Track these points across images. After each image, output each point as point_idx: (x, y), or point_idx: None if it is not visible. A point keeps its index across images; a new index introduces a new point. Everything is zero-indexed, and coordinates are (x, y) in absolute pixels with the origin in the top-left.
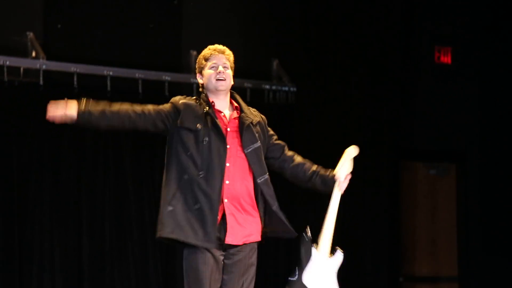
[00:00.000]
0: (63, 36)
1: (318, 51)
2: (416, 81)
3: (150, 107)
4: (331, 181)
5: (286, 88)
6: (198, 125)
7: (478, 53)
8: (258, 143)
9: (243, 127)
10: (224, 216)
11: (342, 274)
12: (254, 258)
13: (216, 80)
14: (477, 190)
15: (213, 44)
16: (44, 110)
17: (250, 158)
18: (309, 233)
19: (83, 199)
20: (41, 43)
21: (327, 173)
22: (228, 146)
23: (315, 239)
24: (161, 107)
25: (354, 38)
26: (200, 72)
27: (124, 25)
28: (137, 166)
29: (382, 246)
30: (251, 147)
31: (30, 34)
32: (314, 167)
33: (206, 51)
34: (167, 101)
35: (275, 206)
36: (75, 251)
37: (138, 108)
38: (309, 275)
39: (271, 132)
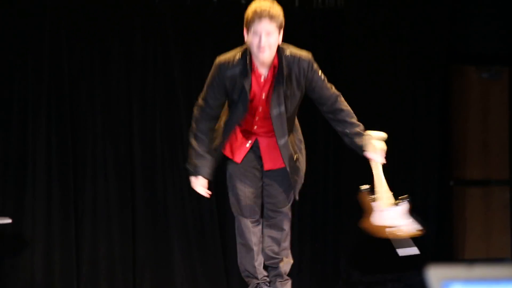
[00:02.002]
0: None
1: None
2: None
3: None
4: (360, 151)
5: None
6: (242, 93)
7: None
8: (283, 108)
9: (275, 86)
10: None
11: (392, 178)
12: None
13: (257, 50)
14: None
15: None
16: (89, 17)
17: (273, 121)
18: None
19: (134, 108)
20: None
21: (359, 142)
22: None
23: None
24: (211, 98)
25: None
26: (247, 28)
27: None
28: (187, 74)
29: (432, 150)
30: (274, 111)
31: None
32: (350, 129)
33: (250, 12)
34: (215, 8)
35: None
36: (127, 159)
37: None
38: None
39: (318, 76)
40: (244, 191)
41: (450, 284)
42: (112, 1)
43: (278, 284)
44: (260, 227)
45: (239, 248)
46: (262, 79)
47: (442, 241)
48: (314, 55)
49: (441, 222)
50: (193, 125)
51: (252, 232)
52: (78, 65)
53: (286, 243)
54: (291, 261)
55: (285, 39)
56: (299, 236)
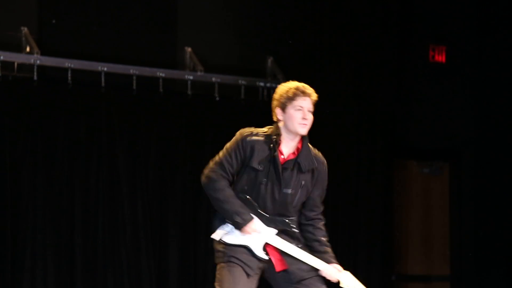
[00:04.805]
0: (57, 31)
1: (313, 49)
2: (411, 80)
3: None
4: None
5: None
6: (260, 166)
7: (473, 52)
8: (289, 191)
9: (287, 169)
10: None
11: None
12: None
13: (300, 124)
14: (470, 189)
15: (206, 40)
16: (38, 105)
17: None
18: None
19: (77, 196)
20: (35, 38)
21: (323, 256)
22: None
23: None
24: (228, 163)
25: (350, 36)
26: (281, 108)
27: (118, 21)
28: (131, 164)
29: (375, 244)
30: (283, 191)
31: (25, 29)
32: (319, 248)
33: (291, 90)
34: (160, 99)
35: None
36: (67, 249)
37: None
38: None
39: (322, 187)
40: None
41: None
42: (57, 88)
43: None
44: None
45: None
46: (281, 157)
47: None
48: None
49: None
50: (213, 184)
51: None
52: (20, 153)
53: None
54: None
55: (233, 128)
56: None
